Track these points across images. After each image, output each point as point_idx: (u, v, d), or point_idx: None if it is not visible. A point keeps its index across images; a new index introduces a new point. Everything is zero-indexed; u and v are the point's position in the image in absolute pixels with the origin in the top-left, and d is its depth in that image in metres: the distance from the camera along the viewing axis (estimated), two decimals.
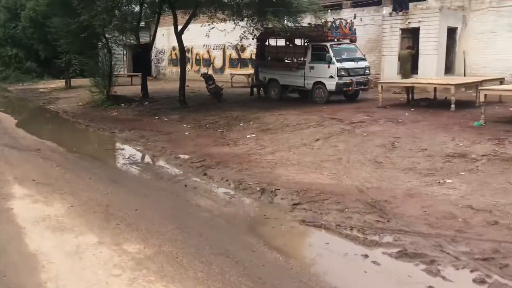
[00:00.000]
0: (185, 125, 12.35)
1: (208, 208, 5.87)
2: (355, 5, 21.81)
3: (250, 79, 23.96)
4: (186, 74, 16.13)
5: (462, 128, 9.47)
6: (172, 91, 20.91)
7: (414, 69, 17.43)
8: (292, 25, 14.89)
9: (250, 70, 25.86)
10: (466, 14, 17.86)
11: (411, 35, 18.16)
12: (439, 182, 6.28)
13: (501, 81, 13.64)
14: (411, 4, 18.45)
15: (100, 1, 12.74)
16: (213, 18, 15.56)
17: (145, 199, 6.27)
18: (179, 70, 32.30)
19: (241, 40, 16.03)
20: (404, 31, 18.14)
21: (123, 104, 16.82)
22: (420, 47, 17.43)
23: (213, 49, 29.89)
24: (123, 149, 10.04)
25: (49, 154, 8.88)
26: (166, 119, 13.44)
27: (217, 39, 27.28)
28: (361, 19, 19.56)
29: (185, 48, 31.29)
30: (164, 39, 32.52)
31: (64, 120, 14.61)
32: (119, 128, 12.30)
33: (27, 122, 14.35)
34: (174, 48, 32.50)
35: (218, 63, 29.43)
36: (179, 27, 16.03)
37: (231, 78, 24.71)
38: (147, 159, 9.07)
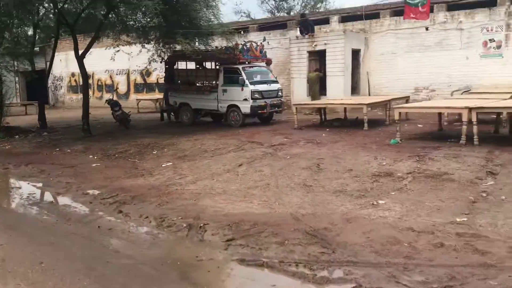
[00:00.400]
0: (91, 156, 11.23)
1: (129, 253, 5.05)
2: (261, 28, 22.04)
3: (158, 104, 23.10)
4: (89, 101, 14.87)
5: (380, 146, 9.55)
6: (73, 119, 19.40)
7: (322, 90, 17.84)
8: (203, 48, 14.46)
9: (157, 95, 24.98)
10: (368, 37, 18.71)
11: (318, 57, 18.60)
12: (372, 203, 6.07)
13: (407, 99, 14.29)
14: (316, 27, 18.97)
15: None
16: (118, 41, 14.65)
17: (51, 248, 5.27)
18: (79, 97, 30.91)
19: (149, 63, 15.21)
20: (311, 53, 18.53)
21: (17, 136, 15.11)
22: (327, 69, 17.87)
23: (116, 74, 28.55)
24: (20, 188, 8.72)
25: None
26: (69, 151, 12.17)
27: (120, 63, 26.18)
28: (268, 42, 19.68)
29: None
30: (62, 65, 30.48)
31: None
32: (13, 163, 10.85)
33: None
34: (73, 74, 30.67)
35: (122, 88, 28.09)
36: (80, 51, 14.85)
37: (137, 103, 23.57)
38: (50, 197, 7.89)
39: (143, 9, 11.78)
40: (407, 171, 7.39)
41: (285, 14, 34.47)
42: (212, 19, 13.50)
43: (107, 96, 28.53)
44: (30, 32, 16.42)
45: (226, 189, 7.21)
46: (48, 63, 18.19)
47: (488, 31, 15.90)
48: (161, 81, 25.93)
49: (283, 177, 7.61)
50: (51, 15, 15.65)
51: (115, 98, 17.68)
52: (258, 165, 8.61)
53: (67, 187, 8.19)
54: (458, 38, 16.53)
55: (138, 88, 27.48)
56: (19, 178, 9.48)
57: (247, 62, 14.98)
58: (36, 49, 23.62)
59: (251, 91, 14.09)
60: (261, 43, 16.11)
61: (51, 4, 13.93)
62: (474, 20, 16.17)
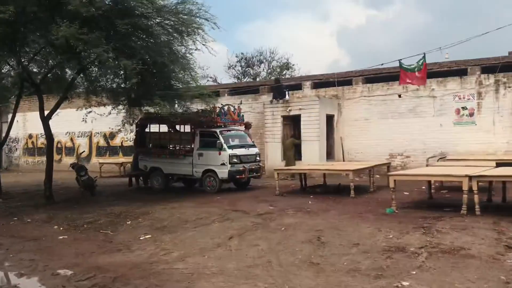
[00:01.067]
0: (56, 227, 10.02)
1: None
2: (232, 93, 21.87)
3: (123, 168, 22.03)
4: (52, 166, 13.71)
5: (377, 216, 9.00)
6: (31, 184, 18.07)
7: (297, 155, 17.47)
8: (180, 110, 13.88)
9: (121, 159, 23.94)
10: (341, 102, 18.80)
11: (292, 122, 18.42)
12: (397, 286, 5.36)
13: (388, 166, 14.04)
14: (289, 92, 18.92)
15: None
16: (89, 102, 13.88)
17: None
18: (36, 160, 29.39)
19: (123, 125, 14.37)
20: (286, 118, 18.36)
21: None
22: (302, 134, 17.64)
23: (78, 136, 27.38)
24: None
25: None
26: (29, 220, 10.90)
27: (82, 125, 25.10)
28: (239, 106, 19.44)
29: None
30: (18, 126, 28.98)
31: None
32: None
33: None
34: (30, 136, 29.24)
35: (83, 151, 26.78)
36: (44, 112, 13.87)
37: (100, 167, 22.34)
38: (13, 280, 6.65)
39: (121, 70, 11.17)
40: (419, 246, 6.78)
41: (251, 80, 34.86)
42: (190, 82, 13.02)
43: (67, 159, 27.21)
44: None
45: (222, 268, 6.31)
46: (9, 123, 16.91)
47: (460, 99, 16.25)
48: (126, 144, 25.12)
49: (284, 253, 6.81)
50: (11, 75, 14.70)
51: (79, 162, 16.60)
52: (251, 238, 7.79)
53: (31, 266, 7.01)
54: (431, 106, 16.80)
55: (101, 151, 26.34)
56: None
57: (223, 126, 14.48)
58: None
59: (229, 155, 13.50)
60: (238, 106, 15.73)
61: (15, 63, 13.10)
62: (446, 88, 16.55)
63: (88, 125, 25.27)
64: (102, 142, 26.32)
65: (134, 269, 6.55)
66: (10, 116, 18.56)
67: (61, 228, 9.88)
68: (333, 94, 19.18)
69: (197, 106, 14.54)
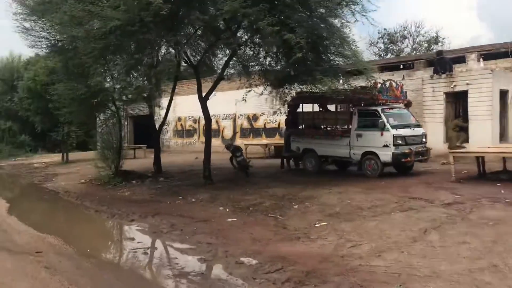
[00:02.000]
0: (221, 208, 9.83)
1: None
2: (382, 68, 20.24)
3: (268, 149, 21.87)
4: (211, 146, 13.76)
5: None
6: (184, 164, 18.65)
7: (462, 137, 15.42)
8: (339, 87, 12.87)
9: (264, 140, 23.85)
10: None
11: (455, 100, 16.34)
12: None
13: None
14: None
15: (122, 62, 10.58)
16: (248, 82, 13.64)
17: None
18: (184, 141, 30.86)
19: (284, 103, 13.89)
20: (449, 95, 16.29)
21: (134, 181, 14.35)
22: (470, 112, 15.48)
23: (223, 118, 27.99)
24: (156, 249, 7.38)
25: (55, 260, 6.25)
26: (193, 200, 10.93)
27: (226, 108, 25.67)
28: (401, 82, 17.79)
29: (193, 118, 29.81)
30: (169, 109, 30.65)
31: (67, 202, 12.06)
32: (138, 214, 9.74)
33: (21, 207, 11.68)
34: (179, 119, 30.70)
35: (228, 133, 27.38)
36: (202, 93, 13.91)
37: (245, 149, 22.43)
38: (198, 266, 6.31)
39: (281, 45, 10.52)
40: None
41: (393, 57, 32.45)
42: (351, 56, 11.92)
43: (213, 141, 28.09)
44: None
45: (434, 269, 5.23)
46: (167, 105, 17.61)
47: None
48: (269, 126, 25.00)
49: (510, 255, 5.49)
50: (169, 57, 14.97)
51: (231, 143, 16.63)
52: (452, 233, 6.55)
53: (212, 252, 6.68)
54: None
55: (245, 133, 26.57)
56: (150, 235, 8.22)
57: (383, 104, 13.13)
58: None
59: (393, 136, 12.14)
60: (400, 82, 14.23)
61: (174, 44, 13.26)
62: None
63: (232, 107, 26.05)
64: (245, 124, 26.53)
65: (324, 263, 5.79)
66: (161, 100, 19.26)
67: (227, 210, 9.63)
68: (506, 67, 16.56)
69: (356, 82, 13.37)
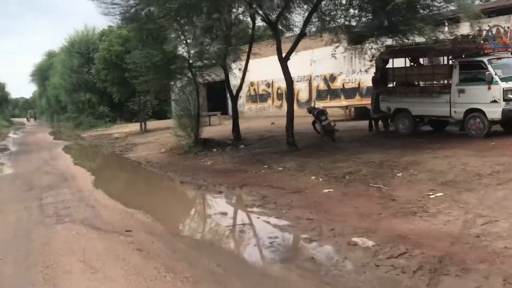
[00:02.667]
0: (313, 177, 8.99)
1: None
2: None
3: (348, 111, 20.64)
4: (293, 110, 12.87)
5: None
6: (261, 130, 18.01)
7: None
8: (440, 37, 11.33)
9: (343, 102, 22.56)
10: None
11: None
12: None
13: None
14: None
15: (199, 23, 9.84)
16: (332, 39, 12.46)
17: None
18: (258, 106, 30.19)
19: (372, 58, 12.62)
20: None
21: (214, 149, 13.89)
22: None
23: (297, 81, 26.85)
24: (253, 226, 6.69)
25: (146, 241, 5.75)
26: (280, 169, 10.19)
27: (301, 70, 24.43)
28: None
29: (266, 82, 28.98)
30: (240, 74, 30.01)
31: (150, 173, 11.81)
32: (225, 185, 9.17)
33: (106, 180, 11.57)
34: (252, 84, 29.96)
35: (303, 96, 26.29)
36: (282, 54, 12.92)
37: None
38: (304, 248, 5.51)
39: None
40: None
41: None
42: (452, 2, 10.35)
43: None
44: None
45: None
46: (243, 70, 16.80)
47: None
48: (348, 86, 23.59)
49: None
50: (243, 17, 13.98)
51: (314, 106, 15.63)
52: None
53: (315, 229, 5.89)
54: None
55: (321, 95, 25.35)
56: (242, 208, 7.60)
57: (491, 53, 11.46)
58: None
59: (503, 90, 10.57)
60: (508, 27, 12.38)
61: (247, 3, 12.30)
62: None
63: (307, 68, 24.86)
64: (322, 86, 25.26)
65: (457, 245, 4.81)
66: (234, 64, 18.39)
67: (320, 179, 8.79)
68: None
69: (459, 30, 11.73)
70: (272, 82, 27.98)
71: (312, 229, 5.90)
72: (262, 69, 23.65)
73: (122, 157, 15.58)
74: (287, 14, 12.97)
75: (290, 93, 13.17)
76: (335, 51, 12.21)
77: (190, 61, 13.82)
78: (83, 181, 10.76)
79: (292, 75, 25.37)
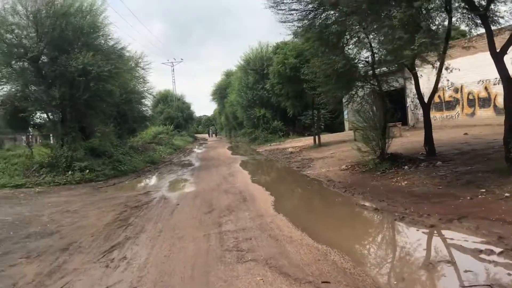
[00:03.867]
0: None
1: None
2: None
3: None
4: None
5: None
6: (455, 142, 15.35)
7: None
8: None
9: None
10: None
11: None
12: None
13: None
14: None
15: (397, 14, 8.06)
16: None
17: None
18: (444, 115, 26.75)
19: None
20: None
21: (406, 167, 11.84)
22: None
23: (493, 84, 22.92)
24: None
25: None
26: (506, 194, 7.75)
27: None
28: None
29: (453, 87, 25.51)
30: (422, 80, 27.00)
31: (335, 195, 10.34)
32: (436, 216, 7.16)
33: (286, 202, 10.43)
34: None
35: (501, 101, 22.16)
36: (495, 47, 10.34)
37: None
38: None
39: None
40: None
41: None
42: None
43: (481, 112, 23.39)
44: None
45: None
46: (415, 78, 14.36)
47: None
48: None
49: None
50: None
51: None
52: None
53: None
54: None
55: None
56: (476, 256, 5.45)
57: None
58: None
59: None
60: None
61: None
62: None
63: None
64: None
65: None
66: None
67: None
68: None
69: None
70: (462, 87, 24.44)
71: None
72: (448, 73, 20.67)
73: (300, 174, 14.50)
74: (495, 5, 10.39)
75: (508, 95, 10.43)
76: None
77: (375, 66, 12.08)
78: (262, 202, 9.80)
79: (487, 78, 21.71)
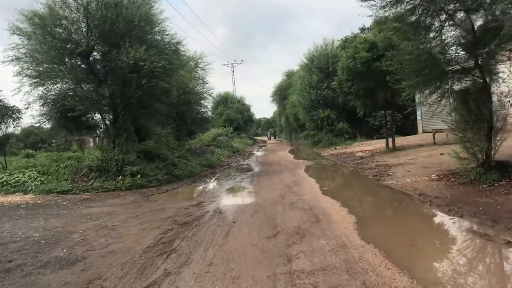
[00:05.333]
0: None
1: None
2: None
3: None
4: None
5: None
6: None
7: None
8: None
9: None
10: None
11: None
12: None
13: None
14: None
15: None
16: None
17: None
18: None
19: None
20: None
21: None
22: None
23: None
24: None
25: None
26: None
27: None
28: None
29: None
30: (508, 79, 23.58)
31: (435, 216, 7.99)
32: None
33: (373, 224, 8.04)
34: None
35: None
36: None
37: None
38: None
39: None
40: None
41: None
42: None
43: None
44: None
45: None
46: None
47: None
48: None
49: None
50: None
51: None
52: None
53: None
54: None
55: None
56: None
57: None
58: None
59: None
60: None
61: None
62: None
63: None
64: None
65: None
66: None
67: None
68: None
69: None
70: None
71: None
72: None
73: (379, 185, 12.16)
74: None
75: None
76: None
77: (480, 50, 9.57)
78: (341, 224, 7.63)
79: None
